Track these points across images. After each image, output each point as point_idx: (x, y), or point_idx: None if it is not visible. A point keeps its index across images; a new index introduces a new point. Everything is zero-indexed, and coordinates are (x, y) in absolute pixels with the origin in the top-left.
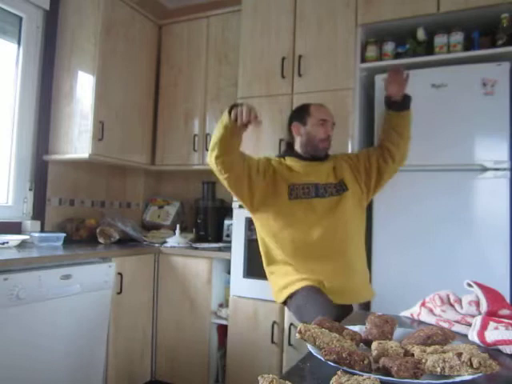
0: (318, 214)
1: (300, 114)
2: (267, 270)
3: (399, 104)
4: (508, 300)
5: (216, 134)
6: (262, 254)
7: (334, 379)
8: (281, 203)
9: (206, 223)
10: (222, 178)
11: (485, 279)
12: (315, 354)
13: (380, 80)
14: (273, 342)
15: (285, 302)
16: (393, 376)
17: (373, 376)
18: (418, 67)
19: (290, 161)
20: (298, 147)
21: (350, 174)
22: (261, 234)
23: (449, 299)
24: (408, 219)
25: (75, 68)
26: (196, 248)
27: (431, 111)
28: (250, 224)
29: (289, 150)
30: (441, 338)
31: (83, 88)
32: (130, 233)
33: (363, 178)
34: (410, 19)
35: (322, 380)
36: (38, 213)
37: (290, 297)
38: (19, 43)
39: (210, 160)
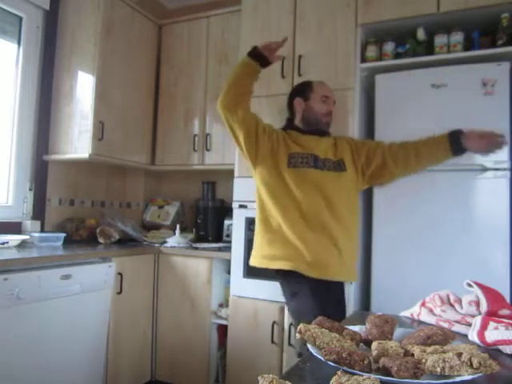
0: (313, 185)
1: (303, 89)
2: (262, 237)
3: (458, 151)
4: (508, 300)
5: (231, 75)
6: (259, 220)
7: (334, 379)
8: (280, 169)
9: (206, 223)
10: (232, 118)
11: (485, 279)
12: (315, 354)
13: (382, 80)
14: (273, 342)
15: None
16: (393, 376)
17: (373, 376)
18: (418, 67)
19: (291, 134)
20: (298, 122)
21: (350, 156)
22: (260, 195)
23: (449, 299)
24: (408, 219)
25: (75, 68)
26: (196, 248)
27: (431, 111)
28: (250, 224)
29: (289, 125)
30: (441, 337)
31: (83, 88)
32: (130, 233)
33: (361, 164)
34: (410, 19)
35: (321, 380)
36: (38, 213)
37: (285, 280)
38: (19, 43)
39: (222, 103)
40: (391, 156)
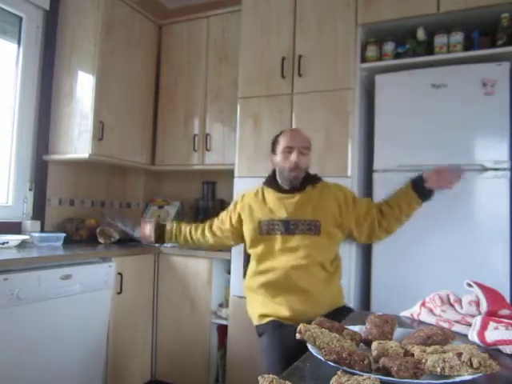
0: (283, 251)
1: (273, 143)
2: (247, 282)
3: (426, 194)
4: (508, 300)
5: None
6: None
7: (334, 379)
8: (253, 237)
9: None
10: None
11: (485, 279)
12: (315, 354)
13: (382, 80)
14: None
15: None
16: (393, 376)
17: (373, 376)
18: (418, 67)
19: (267, 192)
20: (278, 178)
21: (334, 213)
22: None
23: (449, 299)
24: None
25: (75, 68)
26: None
27: (431, 111)
28: None
29: (270, 178)
30: (441, 337)
31: (83, 88)
32: (130, 233)
33: (348, 223)
34: (410, 19)
35: (321, 380)
36: (38, 213)
37: (258, 329)
38: (19, 43)
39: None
40: (378, 224)
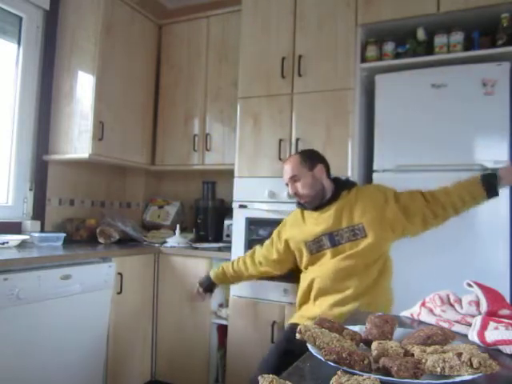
0: (334, 261)
1: None
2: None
3: (493, 192)
4: (508, 300)
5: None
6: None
7: (334, 379)
8: (306, 260)
9: (206, 223)
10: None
11: (485, 279)
12: (315, 354)
13: (382, 80)
14: (273, 342)
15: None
16: (393, 376)
17: (373, 376)
18: (418, 67)
19: (305, 213)
20: None
21: (376, 213)
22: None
23: (449, 299)
24: None
25: (75, 68)
26: (196, 248)
27: (431, 111)
28: (250, 224)
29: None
30: (441, 337)
31: (83, 88)
32: (130, 233)
33: (398, 220)
34: (410, 19)
35: (321, 380)
36: (38, 213)
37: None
38: (19, 43)
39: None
40: (431, 212)
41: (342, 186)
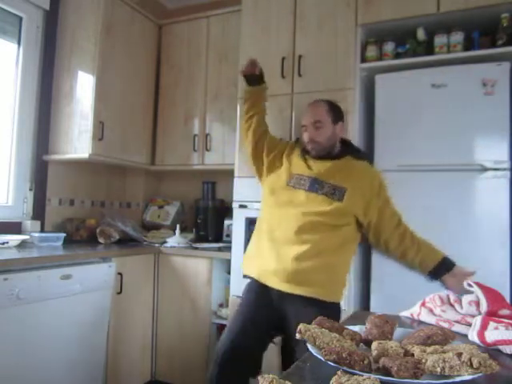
0: (300, 205)
1: None
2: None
3: (435, 277)
4: (508, 300)
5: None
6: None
7: (334, 379)
8: (279, 185)
9: (206, 223)
10: (248, 132)
11: (485, 279)
12: (315, 354)
13: (382, 80)
14: (273, 341)
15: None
16: (393, 376)
17: (373, 376)
18: (418, 67)
19: (302, 150)
20: None
21: (364, 193)
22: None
23: (449, 299)
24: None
25: (75, 68)
26: (196, 248)
27: (431, 111)
28: (250, 224)
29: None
30: (441, 337)
31: (83, 88)
32: (129, 233)
33: (371, 213)
34: (410, 19)
35: (321, 380)
36: (38, 213)
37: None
38: (19, 43)
39: (244, 120)
40: (391, 239)
41: (350, 150)
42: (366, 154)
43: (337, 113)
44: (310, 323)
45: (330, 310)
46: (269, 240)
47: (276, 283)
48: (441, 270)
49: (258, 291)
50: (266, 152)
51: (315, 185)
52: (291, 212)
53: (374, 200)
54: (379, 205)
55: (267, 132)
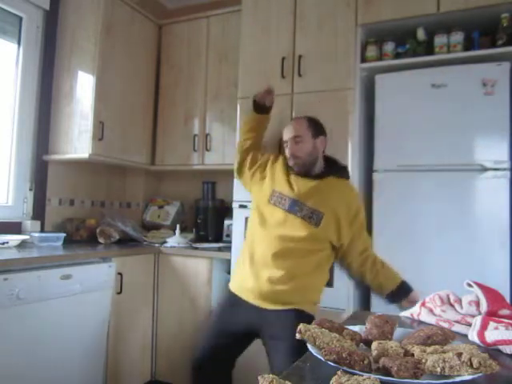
0: (278, 226)
1: None
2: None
3: (394, 300)
4: (508, 300)
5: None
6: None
7: (334, 379)
8: (262, 202)
9: (206, 223)
10: (238, 154)
11: (485, 279)
12: (315, 354)
13: (382, 80)
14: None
15: None
16: (393, 376)
17: (373, 376)
18: (418, 67)
19: (286, 166)
20: None
21: (339, 217)
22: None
23: (449, 299)
24: (407, 219)
25: (75, 68)
26: (196, 248)
27: (431, 111)
28: None
29: None
30: (441, 337)
31: (83, 88)
32: (129, 233)
33: (345, 237)
34: (410, 19)
35: (321, 380)
36: (38, 213)
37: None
38: (19, 43)
39: (239, 141)
40: (357, 262)
41: (333, 170)
42: (347, 173)
43: (317, 128)
44: (288, 326)
45: (306, 319)
46: (250, 260)
47: (252, 299)
48: (399, 293)
49: (233, 301)
50: (249, 166)
51: (295, 206)
52: (270, 233)
53: (349, 226)
54: (353, 231)
55: (254, 150)
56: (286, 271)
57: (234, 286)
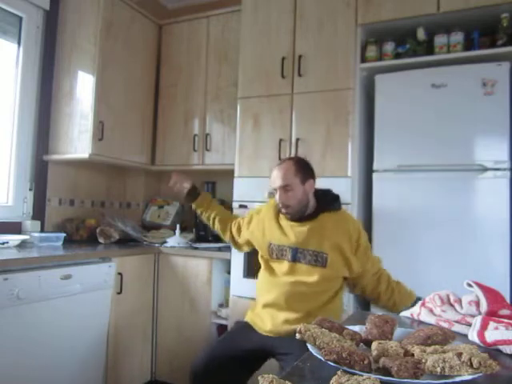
0: (287, 275)
1: None
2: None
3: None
4: (508, 300)
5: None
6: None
7: (334, 379)
8: (266, 259)
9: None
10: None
11: (485, 279)
12: (315, 354)
13: (382, 80)
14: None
15: None
16: (393, 376)
17: (373, 376)
18: (417, 67)
19: (276, 211)
20: None
21: (344, 250)
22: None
23: (449, 299)
24: (408, 219)
25: (75, 68)
26: (196, 248)
27: (431, 111)
28: None
29: None
30: (441, 338)
31: (83, 88)
32: (129, 233)
33: (356, 266)
34: (410, 19)
35: (321, 380)
36: (38, 213)
37: None
38: (19, 43)
39: (215, 229)
40: (371, 286)
41: (324, 205)
42: (339, 203)
43: (305, 171)
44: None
45: None
46: (264, 303)
47: (268, 333)
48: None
49: (249, 326)
50: (238, 235)
51: (297, 254)
52: (282, 281)
53: (356, 255)
54: (361, 257)
55: (231, 221)
56: (302, 312)
57: (250, 320)
